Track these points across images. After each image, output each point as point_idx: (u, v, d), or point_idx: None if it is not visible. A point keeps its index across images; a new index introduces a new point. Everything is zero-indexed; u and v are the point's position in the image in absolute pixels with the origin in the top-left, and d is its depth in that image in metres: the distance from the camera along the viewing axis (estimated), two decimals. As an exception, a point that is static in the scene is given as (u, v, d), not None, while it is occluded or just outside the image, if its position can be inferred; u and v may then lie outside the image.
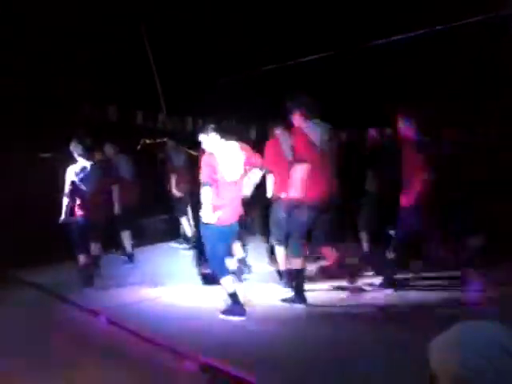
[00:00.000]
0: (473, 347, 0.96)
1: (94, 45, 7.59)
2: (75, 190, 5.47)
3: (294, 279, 4.66)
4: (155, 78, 7.56)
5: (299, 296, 4.55)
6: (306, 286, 4.66)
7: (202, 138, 4.35)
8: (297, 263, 4.57)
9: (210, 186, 4.15)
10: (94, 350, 3.90)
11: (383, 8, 6.60)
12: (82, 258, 5.53)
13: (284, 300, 4.65)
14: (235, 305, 4.30)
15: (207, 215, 4.16)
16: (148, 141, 8.59)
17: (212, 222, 4.17)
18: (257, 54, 7.50)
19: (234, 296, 4.30)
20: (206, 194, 4.16)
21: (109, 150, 6.52)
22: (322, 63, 7.05)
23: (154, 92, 7.47)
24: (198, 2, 7.58)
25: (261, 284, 5.26)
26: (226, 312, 4.33)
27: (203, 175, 4.19)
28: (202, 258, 5.25)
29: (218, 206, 4.18)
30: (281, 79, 7.29)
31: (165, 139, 6.78)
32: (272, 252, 5.49)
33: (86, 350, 3.92)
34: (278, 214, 4.92)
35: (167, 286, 5.43)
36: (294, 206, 4.54)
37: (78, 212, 5.51)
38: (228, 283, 4.31)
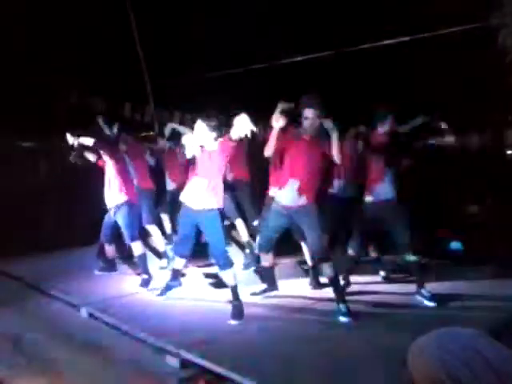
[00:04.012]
0: (453, 353, 0.96)
1: (81, 33, 7.46)
2: None
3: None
4: (144, 73, 7.48)
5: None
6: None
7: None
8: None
9: None
10: (73, 344, 3.85)
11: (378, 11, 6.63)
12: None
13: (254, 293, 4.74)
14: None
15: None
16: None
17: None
18: (247, 52, 7.45)
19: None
20: None
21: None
22: (311, 63, 7.03)
23: (142, 85, 7.40)
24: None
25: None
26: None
27: None
28: None
29: None
30: (270, 78, 7.26)
31: (151, 133, 6.69)
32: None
33: (65, 343, 3.87)
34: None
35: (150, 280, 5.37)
36: None
37: None
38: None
